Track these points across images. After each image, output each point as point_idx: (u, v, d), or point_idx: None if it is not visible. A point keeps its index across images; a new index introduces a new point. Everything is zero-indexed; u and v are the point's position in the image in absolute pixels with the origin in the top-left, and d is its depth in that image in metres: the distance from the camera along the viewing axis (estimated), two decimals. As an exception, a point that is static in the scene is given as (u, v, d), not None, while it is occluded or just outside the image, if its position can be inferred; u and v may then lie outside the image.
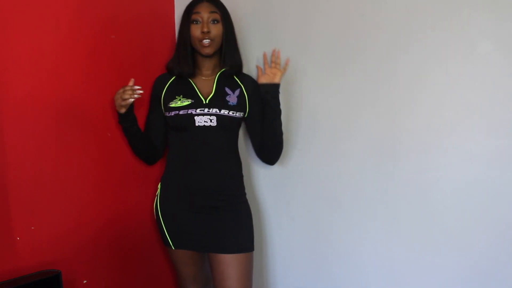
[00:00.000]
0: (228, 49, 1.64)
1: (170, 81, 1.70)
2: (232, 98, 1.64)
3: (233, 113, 1.61)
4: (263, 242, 1.89)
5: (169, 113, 1.65)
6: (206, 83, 1.68)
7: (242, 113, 1.65)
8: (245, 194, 1.72)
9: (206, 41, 1.58)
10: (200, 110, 1.61)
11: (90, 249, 1.69)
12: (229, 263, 1.60)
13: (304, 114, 1.71)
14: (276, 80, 1.64)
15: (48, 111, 1.52)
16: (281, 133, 1.67)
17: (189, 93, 1.65)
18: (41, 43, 1.49)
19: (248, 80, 1.71)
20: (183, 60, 1.64)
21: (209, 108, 1.61)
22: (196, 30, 1.60)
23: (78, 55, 1.59)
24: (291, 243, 1.83)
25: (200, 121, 1.60)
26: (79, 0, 1.59)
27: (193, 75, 1.68)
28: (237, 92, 1.66)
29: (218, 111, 1.60)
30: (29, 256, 1.51)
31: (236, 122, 1.65)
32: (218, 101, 1.62)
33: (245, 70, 1.75)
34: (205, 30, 1.57)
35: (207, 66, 1.68)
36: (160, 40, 1.91)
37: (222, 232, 1.62)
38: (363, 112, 1.58)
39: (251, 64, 1.80)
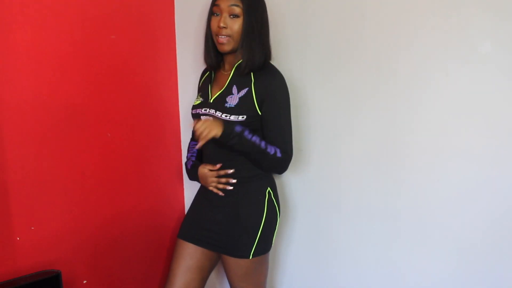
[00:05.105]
0: (246, 44, 1.47)
1: (206, 75, 1.66)
2: (233, 99, 1.49)
3: (226, 115, 1.46)
4: (263, 242, 1.88)
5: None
6: (223, 78, 1.57)
7: (241, 116, 1.47)
8: (260, 199, 1.56)
9: (221, 37, 1.47)
10: (204, 110, 1.53)
11: (90, 249, 1.69)
12: (228, 264, 1.57)
13: (304, 114, 1.71)
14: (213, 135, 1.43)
15: (48, 111, 1.53)
16: (253, 157, 1.50)
17: (205, 90, 1.59)
18: (41, 43, 1.49)
19: (264, 76, 1.50)
20: (207, 51, 1.57)
21: (210, 108, 1.52)
22: (214, 23, 1.49)
23: (78, 55, 1.59)
24: (292, 243, 1.83)
25: None
26: (79, 0, 1.59)
27: (218, 68, 1.61)
28: (243, 91, 1.49)
29: (214, 113, 1.49)
30: (29, 256, 1.51)
31: None
32: (220, 101, 1.51)
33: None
34: (221, 25, 1.46)
35: (228, 60, 1.57)
36: (161, 40, 1.91)
37: (223, 232, 1.57)
38: (363, 112, 1.57)
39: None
